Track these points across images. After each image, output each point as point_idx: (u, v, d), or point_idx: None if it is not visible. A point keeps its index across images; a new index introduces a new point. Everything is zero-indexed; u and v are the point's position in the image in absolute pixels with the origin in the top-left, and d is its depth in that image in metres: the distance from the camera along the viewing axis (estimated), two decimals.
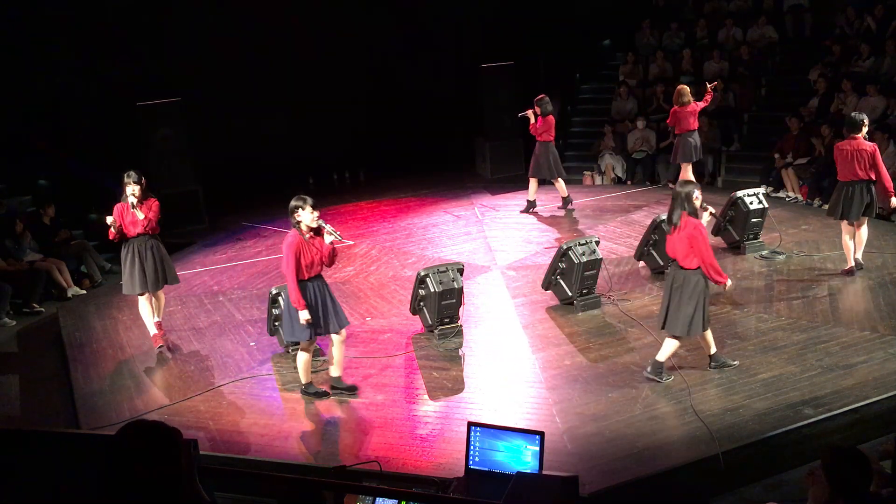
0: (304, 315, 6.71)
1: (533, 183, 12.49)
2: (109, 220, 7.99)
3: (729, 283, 6.93)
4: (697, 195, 6.85)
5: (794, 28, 15.90)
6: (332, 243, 6.83)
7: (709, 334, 7.10)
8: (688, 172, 12.35)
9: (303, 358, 7.13)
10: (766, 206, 10.20)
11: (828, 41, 14.74)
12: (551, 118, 12.07)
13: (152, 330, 8.42)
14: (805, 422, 6.29)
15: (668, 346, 7.05)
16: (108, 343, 8.88)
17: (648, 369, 7.12)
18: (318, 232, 6.78)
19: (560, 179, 12.38)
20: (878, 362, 7.10)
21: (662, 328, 7.09)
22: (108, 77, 14.11)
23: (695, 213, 6.82)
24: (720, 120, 14.58)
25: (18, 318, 10.31)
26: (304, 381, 7.21)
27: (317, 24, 15.63)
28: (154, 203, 8.13)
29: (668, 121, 12.72)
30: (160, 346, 8.35)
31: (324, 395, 7.22)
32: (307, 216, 6.68)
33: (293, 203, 6.68)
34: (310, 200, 6.68)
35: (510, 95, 15.21)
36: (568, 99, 16.33)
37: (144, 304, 8.34)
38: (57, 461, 3.46)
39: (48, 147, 13.49)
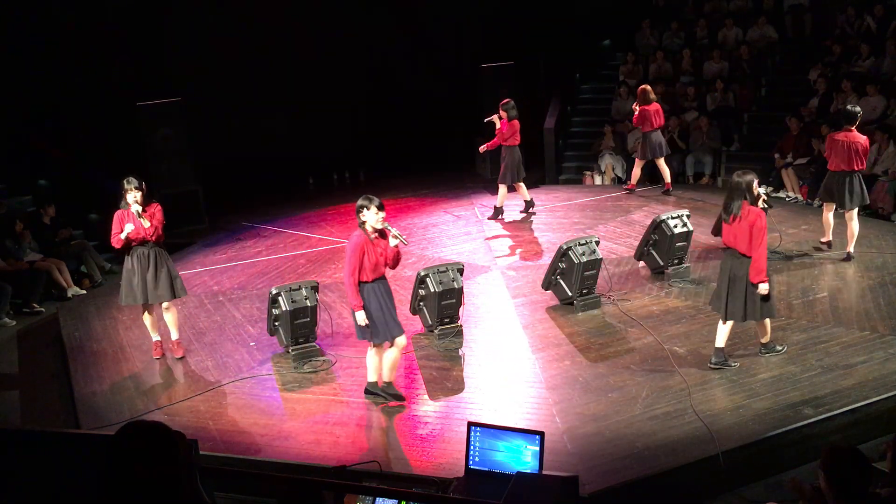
0: (360, 316, 6.57)
1: (502, 189, 12.31)
2: (128, 229, 7.59)
3: (764, 287, 6.87)
4: (757, 184, 6.99)
5: (794, 28, 15.90)
6: (396, 246, 6.66)
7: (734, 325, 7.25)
8: (662, 166, 13.01)
9: (373, 358, 6.93)
10: (766, 206, 10.19)
11: (828, 41, 14.75)
12: (517, 122, 11.92)
13: (154, 336, 8.24)
14: (805, 422, 6.29)
15: (767, 327, 7.23)
16: (108, 343, 8.88)
17: (762, 349, 7.32)
18: (383, 234, 6.61)
19: (518, 184, 12.22)
20: (878, 362, 7.10)
21: (726, 319, 7.10)
22: (108, 77, 14.12)
23: (755, 203, 6.94)
24: (720, 120, 14.59)
25: (18, 318, 10.31)
26: (370, 380, 7.04)
27: (317, 24, 15.64)
28: (157, 209, 7.80)
29: (633, 120, 13.05)
30: (158, 358, 8.22)
31: (400, 397, 6.99)
32: (372, 217, 6.47)
33: (359, 202, 6.49)
34: (376, 201, 6.47)
35: (510, 95, 15.16)
36: (568, 99, 16.33)
37: (146, 315, 8.11)
38: (57, 461, 3.46)
39: (48, 147, 13.49)
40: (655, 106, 12.65)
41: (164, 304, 8.00)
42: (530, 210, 12.50)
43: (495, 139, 12.05)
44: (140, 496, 2.41)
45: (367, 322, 6.61)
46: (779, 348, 7.39)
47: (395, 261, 6.73)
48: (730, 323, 7.12)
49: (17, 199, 12.22)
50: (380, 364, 6.98)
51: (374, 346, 6.87)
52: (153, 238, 7.73)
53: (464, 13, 16.77)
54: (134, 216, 7.62)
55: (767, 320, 7.20)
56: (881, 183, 11.67)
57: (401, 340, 6.86)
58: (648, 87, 12.88)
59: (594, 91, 17.00)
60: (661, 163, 12.91)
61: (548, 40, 16.68)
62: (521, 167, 12.18)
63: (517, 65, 15.38)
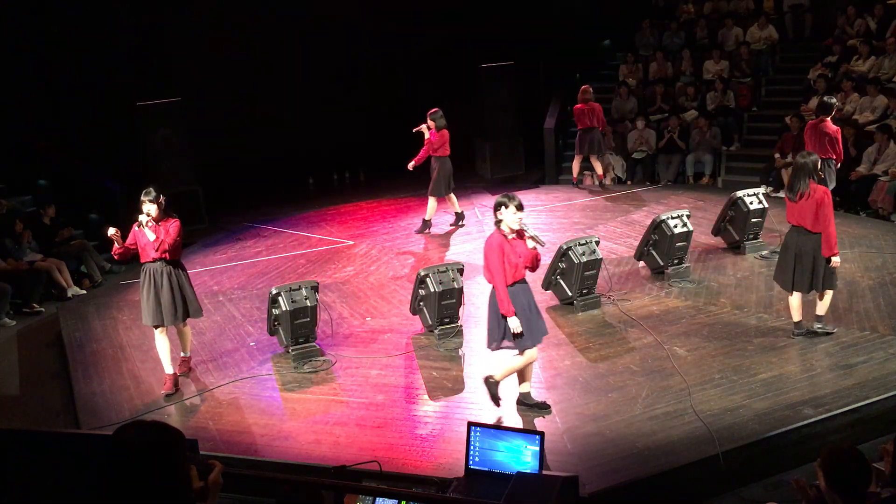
0: (514, 323, 6.20)
1: (432, 201, 11.92)
2: (111, 232, 7.14)
3: (836, 259, 7.36)
4: (820, 163, 7.48)
5: (794, 28, 15.91)
6: (534, 248, 6.31)
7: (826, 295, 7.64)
8: (594, 163, 13.78)
9: (513, 363, 6.53)
10: (766, 206, 10.21)
11: (828, 41, 14.76)
12: (446, 132, 11.53)
13: (168, 368, 7.55)
14: (805, 422, 6.28)
15: (826, 300, 7.61)
16: (108, 343, 8.87)
17: (818, 325, 7.66)
18: (520, 234, 6.31)
19: (449, 195, 11.95)
20: (878, 362, 7.10)
21: (793, 291, 7.57)
22: (108, 77, 14.11)
23: (823, 182, 7.43)
24: (720, 120, 14.60)
25: (18, 318, 10.31)
26: (521, 391, 6.70)
27: (316, 24, 15.63)
28: (172, 225, 7.26)
29: (574, 118, 13.78)
30: (169, 394, 7.48)
31: (543, 407, 6.67)
32: (509, 216, 6.18)
33: (498, 199, 6.22)
34: (516, 200, 6.18)
35: (510, 95, 15.20)
36: (568, 99, 16.31)
37: (160, 339, 7.49)
38: (57, 461, 3.46)
39: (48, 147, 13.49)
40: (592, 105, 13.38)
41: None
42: (460, 223, 12.18)
43: (423, 150, 11.68)
44: (140, 496, 2.41)
45: (520, 329, 6.27)
46: (830, 328, 7.64)
47: (534, 263, 6.36)
48: (798, 295, 7.56)
49: (16, 198, 12.21)
50: (513, 369, 6.58)
51: (529, 353, 6.49)
52: (158, 253, 7.21)
53: (463, 13, 16.76)
54: (142, 228, 7.19)
55: (830, 292, 7.57)
56: (881, 183, 11.68)
57: (532, 352, 6.48)
58: (587, 87, 13.58)
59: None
60: (595, 160, 13.67)
61: (548, 40, 16.67)
62: (452, 179, 11.84)
63: (517, 65, 15.37)
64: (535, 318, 6.44)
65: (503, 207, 6.20)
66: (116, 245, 7.25)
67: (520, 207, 6.21)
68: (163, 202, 7.23)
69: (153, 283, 7.30)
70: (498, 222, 6.28)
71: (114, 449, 2.43)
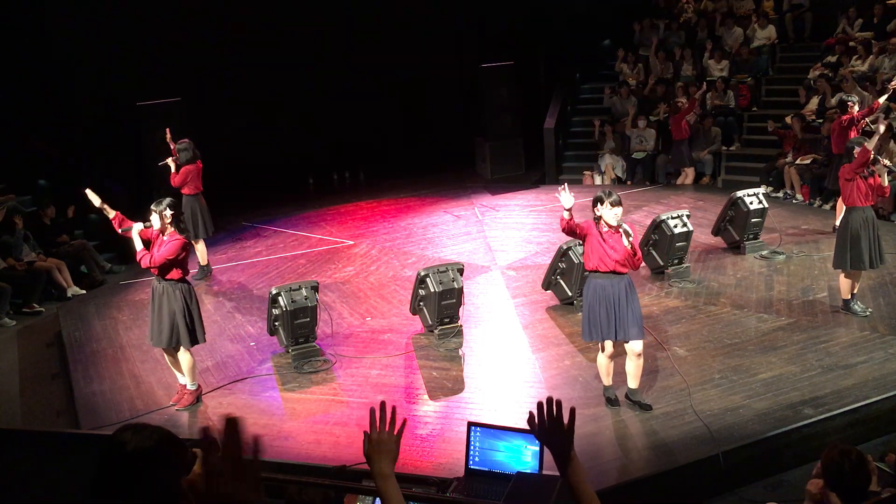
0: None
1: (200, 244, 10.51)
2: (93, 198, 7.09)
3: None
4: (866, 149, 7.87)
5: (794, 28, 15.91)
6: (629, 246, 6.30)
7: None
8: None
9: (600, 361, 6.70)
10: (766, 206, 10.21)
11: (828, 41, 14.75)
12: (192, 167, 10.23)
13: (180, 380, 7.29)
14: (805, 422, 6.29)
15: (843, 284, 8.16)
16: (108, 343, 8.87)
17: (857, 308, 8.11)
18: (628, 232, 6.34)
19: (202, 241, 10.48)
20: (878, 362, 7.10)
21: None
22: (108, 77, 14.10)
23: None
24: (720, 120, 14.59)
25: (18, 318, 10.29)
26: (605, 384, 6.77)
27: (316, 24, 15.62)
28: (172, 242, 6.78)
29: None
30: (173, 404, 7.27)
31: (646, 407, 6.61)
32: (606, 212, 6.32)
33: (595, 196, 6.44)
34: (612, 196, 6.29)
35: (510, 95, 15.20)
36: (568, 99, 16.32)
37: (168, 357, 7.31)
38: (57, 461, 3.46)
39: (48, 147, 13.47)
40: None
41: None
42: (207, 276, 10.69)
43: (174, 179, 10.24)
44: (129, 501, 2.38)
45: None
46: (858, 309, 8.04)
47: (632, 262, 6.36)
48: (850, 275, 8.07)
49: (16, 198, 12.19)
50: (608, 367, 6.68)
51: (601, 347, 6.63)
52: (147, 266, 6.86)
53: (464, 13, 16.76)
54: (137, 232, 6.87)
55: (841, 275, 8.09)
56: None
57: (634, 346, 6.46)
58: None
59: (594, 91, 16.99)
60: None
61: (548, 40, 16.66)
62: (210, 221, 10.45)
63: (517, 65, 15.37)
64: (612, 316, 6.34)
65: (599, 203, 6.37)
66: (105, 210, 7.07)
67: (615, 203, 6.31)
68: (169, 216, 6.83)
69: (151, 299, 7.02)
70: (597, 219, 6.41)
71: (108, 449, 2.42)
